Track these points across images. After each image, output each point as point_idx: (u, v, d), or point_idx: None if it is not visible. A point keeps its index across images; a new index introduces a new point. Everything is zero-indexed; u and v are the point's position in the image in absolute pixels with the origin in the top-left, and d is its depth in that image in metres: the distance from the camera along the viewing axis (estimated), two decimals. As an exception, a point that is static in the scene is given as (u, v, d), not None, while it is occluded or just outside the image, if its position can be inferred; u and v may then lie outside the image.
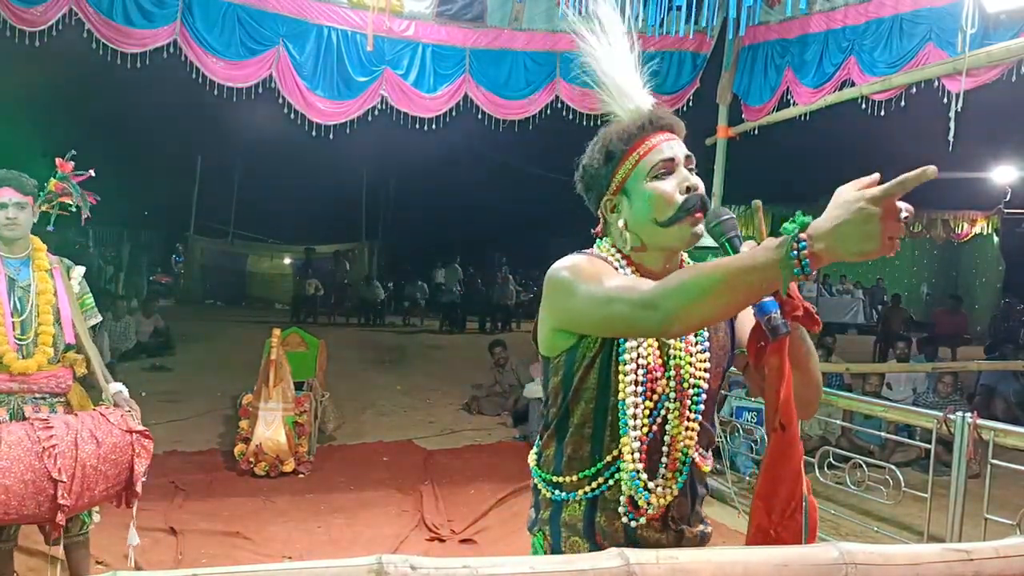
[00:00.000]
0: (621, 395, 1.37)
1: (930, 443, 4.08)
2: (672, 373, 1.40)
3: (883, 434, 5.47)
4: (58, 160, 3.10)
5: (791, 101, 5.46)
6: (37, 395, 2.81)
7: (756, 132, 5.77)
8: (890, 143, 11.51)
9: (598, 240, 1.51)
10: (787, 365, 1.29)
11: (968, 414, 3.71)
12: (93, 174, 3.17)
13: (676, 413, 1.40)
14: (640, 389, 1.37)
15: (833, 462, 4.53)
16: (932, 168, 1.02)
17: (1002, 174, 13.35)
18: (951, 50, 4.41)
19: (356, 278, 17.64)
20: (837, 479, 4.59)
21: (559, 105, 5.99)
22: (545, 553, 1.47)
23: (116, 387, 2.98)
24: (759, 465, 5.79)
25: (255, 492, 4.96)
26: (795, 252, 1.08)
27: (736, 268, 1.15)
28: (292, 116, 5.46)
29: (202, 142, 17.48)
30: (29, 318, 2.83)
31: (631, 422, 1.37)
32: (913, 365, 7.93)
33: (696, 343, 1.44)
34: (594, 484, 1.42)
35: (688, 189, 1.39)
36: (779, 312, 1.27)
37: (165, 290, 18.22)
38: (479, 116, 5.86)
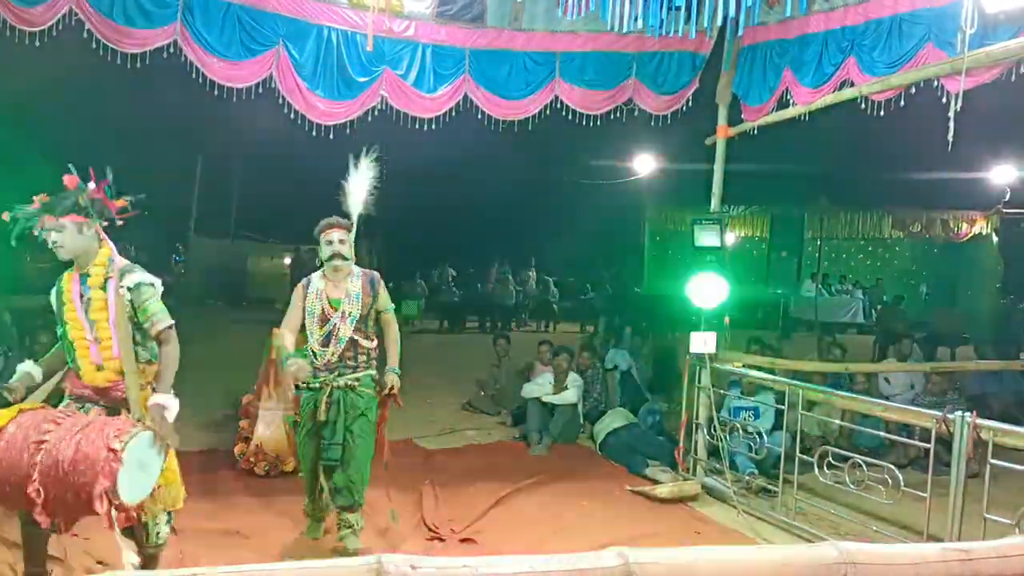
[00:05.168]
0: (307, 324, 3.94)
1: (929, 442, 4.07)
2: (340, 311, 3.87)
3: (882, 434, 5.47)
4: (66, 178, 3.00)
5: (790, 101, 5.45)
6: (103, 402, 2.95)
7: (755, 132, 5.76)
8: (890, 143, 11.54)
9: None
10: (386, 412, 4.11)
11: (967, 413, 3.72)
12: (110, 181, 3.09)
13: (342, 325, 3.86)
14: (315, 321, 3.90)
15: (832, 462, 4.53)
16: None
17: (1001, 174, 13.35)
18: (950, 50, 4.41)
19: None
20: (836, 479, 4.59)
21: (559, 105, 5.99)
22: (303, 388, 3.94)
23: (159, 399, 2.97)
24: (756, 465, 5.74)
25: (255, 492, 4.96)
26: None
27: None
28: (292, 116, 5.46)
29: (202, 142, 17.46)
30: (96, 334, 2.93)
31: (311, 329, 3.90)
32: (913, 364, 7.92)
33: (351, 301, 3.88)
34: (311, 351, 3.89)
35: (330, 252, 3.91)
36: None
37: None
38: (479, 116, 5.86)
